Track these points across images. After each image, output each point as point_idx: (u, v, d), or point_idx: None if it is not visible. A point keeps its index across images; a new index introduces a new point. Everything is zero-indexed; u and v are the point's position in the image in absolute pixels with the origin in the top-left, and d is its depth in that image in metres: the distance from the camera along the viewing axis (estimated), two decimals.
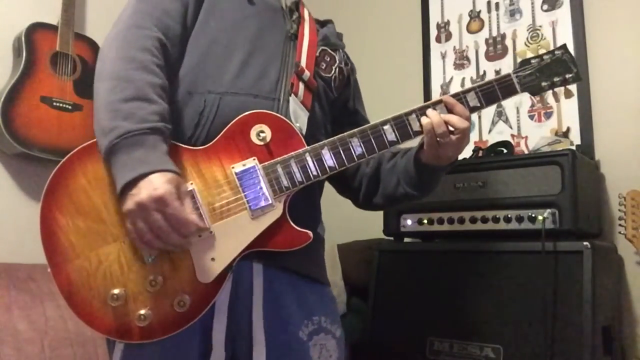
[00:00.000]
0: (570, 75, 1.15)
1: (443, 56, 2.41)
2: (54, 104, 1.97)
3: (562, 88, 1.60)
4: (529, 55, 1.50)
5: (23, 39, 1.94)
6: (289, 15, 1.25)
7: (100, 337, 1.72)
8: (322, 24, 1.36)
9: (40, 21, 2.00)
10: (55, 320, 1.72)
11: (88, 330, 0.96)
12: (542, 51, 1.43)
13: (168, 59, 1.09)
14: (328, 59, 1.27)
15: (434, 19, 2.46)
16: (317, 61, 1.24)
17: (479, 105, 1.13)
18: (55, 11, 2.04)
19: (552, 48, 1.29)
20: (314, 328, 1.12)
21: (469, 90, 1.13)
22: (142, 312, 0.99)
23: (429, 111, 1.10)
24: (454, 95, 1.12)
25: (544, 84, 1.15)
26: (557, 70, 1.15)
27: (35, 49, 1.96)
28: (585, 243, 1.54)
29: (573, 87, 2.00)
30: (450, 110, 1.11)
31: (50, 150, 1.93)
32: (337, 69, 1.28)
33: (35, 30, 1.98)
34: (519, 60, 1.20)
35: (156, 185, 0.94)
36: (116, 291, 0.99)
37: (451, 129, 1.09)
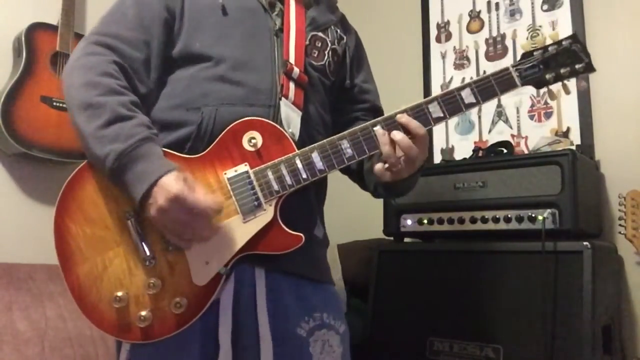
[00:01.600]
0: (581, 66, 1.06)
1: (443, 56, 2.41)
2: (54, 104, 1.97)
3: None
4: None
5: (23, 39, 1.94)
6: (270, 10, 1.22)
7: (100, 338, 1.73)
8: None
9: (40, 21, 2.00)
10: (55, 320, 1.72)
11: (88, 330, 0.97)
12: None
13: (130, 80, 1.11)
14: (319, 44, 1.24)
15: (434, 19, 2.46)
16: (307, 51, 1.21)
17: (474, 102, 1.06)
18: (55, 11, 2.04)
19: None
20: (315, 324, 1.13)
21: (464, 87, 1.08)
22: (143, 313, 1.02)
23: (392, 134, 1.06)
24: (448, 93, 1.08)
25: (548, 76, 1.07)
26: (565, 61, 1.07)
27: (36, 49, 1.96)
28: (585, 243, 1.54)
29: (572, 86, 1.98)
30: (405, 130, 1.06)
31: (50, 150, 1.93)
32: (330, 52, 1.26)
33: (35, 30, 1.98)
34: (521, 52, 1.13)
35: (168, 186, 0.97)
36: (119, 293, 1.02)
37: (401, 153, 1.06)
